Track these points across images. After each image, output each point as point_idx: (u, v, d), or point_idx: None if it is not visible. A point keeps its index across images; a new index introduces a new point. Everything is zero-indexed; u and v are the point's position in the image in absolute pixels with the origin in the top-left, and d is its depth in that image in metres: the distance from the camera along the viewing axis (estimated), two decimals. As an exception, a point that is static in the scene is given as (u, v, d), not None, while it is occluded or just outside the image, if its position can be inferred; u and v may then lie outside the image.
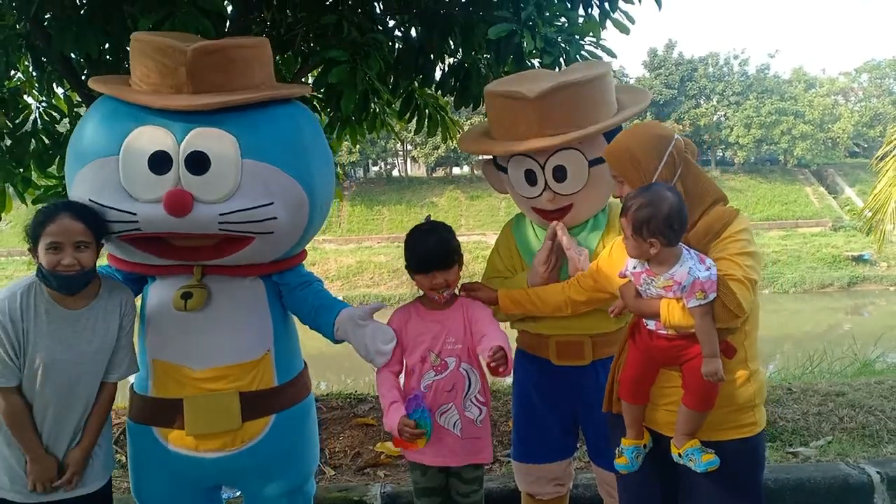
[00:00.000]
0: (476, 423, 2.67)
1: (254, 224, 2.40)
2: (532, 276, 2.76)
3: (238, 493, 3.42)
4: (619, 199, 2.36)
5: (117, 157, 2.34)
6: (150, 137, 2.35)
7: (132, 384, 2.70)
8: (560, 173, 2.66)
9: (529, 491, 3.01)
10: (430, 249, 2.62)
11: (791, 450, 3.97)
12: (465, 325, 2.67)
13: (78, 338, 2.39)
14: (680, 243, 2.16)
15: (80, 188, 2.40)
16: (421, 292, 2.74)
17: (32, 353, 2.34)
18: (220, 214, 2.35)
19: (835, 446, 3.99)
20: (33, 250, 2.33)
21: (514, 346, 2.83)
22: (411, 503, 2.90)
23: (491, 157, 2.95)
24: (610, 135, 2.67)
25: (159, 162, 2.33)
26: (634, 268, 2.24)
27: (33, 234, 2.31)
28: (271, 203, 2.41)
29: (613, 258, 2.44)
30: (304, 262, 2.87)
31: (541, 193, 2.70)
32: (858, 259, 35.56)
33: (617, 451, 2.38)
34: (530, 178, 2.71)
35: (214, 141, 2.37)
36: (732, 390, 2.21)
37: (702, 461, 2.18)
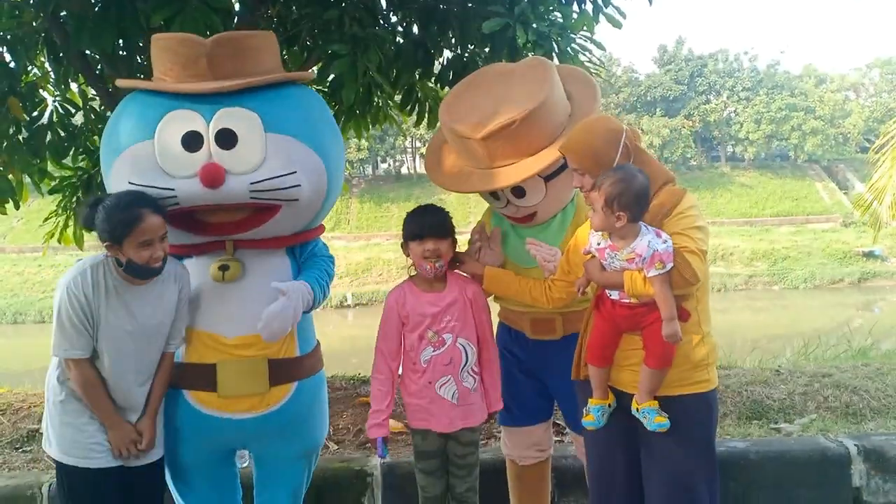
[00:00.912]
0: (471, 391, 2.86)
1: (281, 192, 2.64)
2: (486, 256, 2.97)
3: (246, 464, 3.62)
4: (582, 190, 2.54)
5: (152, 140, 2.60)
6: (182, 119, 2.60)
7: None
8: (519, 191, 2.83)
9: (513, 457, 3.22)
10: (425, 218, 2.83)
11: (775, 426, 4.12)
12: (464, 303, 2.85)
13: (143, 311, 2.60)
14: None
15: (118, 174, 2.64)
16: (413, 272, 2.91)
17: (104, 326, 2.55)
18: (251, 184, 2.59)
19: (818, 423, 4.13)
20: (113, 247, 2.49)
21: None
22: (410, 472, 3.06)
23: None
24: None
25: (191, 141, 2.58)
26: (598, 244, 2.44)
27: (119, 234, 2.45)
28: (294, 172, 2.65)
29: (578, 245, 2.63)
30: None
31: (506, 206, 2.91)
32: (869, 255, 35.44)
33: (584, 411, 2.58)
34: (494, 194, 2.91)
35: (239, 118, 2.62)
36: (687, 351, 2.44)
37: (654, 422, 2.41)
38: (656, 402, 2.44)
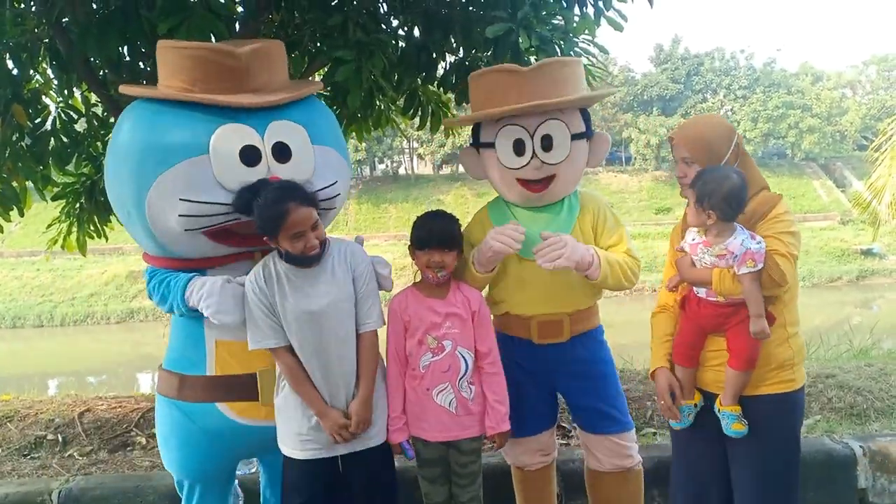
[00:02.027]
0: (470, 401, 2.85)
1: (328, 201, 2.75)
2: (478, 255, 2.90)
3: (253, 470, 3.63)
4: (683, 179, 2.65)
5: (207, 155, 2.56)
6: (237, 133, 2.60)
7: (171, 370, 2.89)
8: (547, 142, 2.87)
9: (519, 464, 3.22)
10: (432, 227, 2.82)
11: (780, 428, 4.13)
12: (466, 313, 2.85)
13: (316, 292, 2.67)
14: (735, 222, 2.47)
15: (167, 188, 2.56)
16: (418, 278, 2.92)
17: (283, 313, 2.66)
18: None
19: (822, 424, 4.15)
20: (272, 240, 2.60)
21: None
22: (415, 477, 3.08)
23: (470, 143, 3.14)
24: (586, 114, 3.00)
25: (249, 155, 2.60)
26: (693, 239, 2.57)
27: (272, 228, 2.55)
28: (336, 182, 2.77)
29: (674, 243, 2.78)
30: None
31: (528, 162, 2.89)
32: (867, 252, 35.51)
33: None
34: (518, 148, 2.89)
35: (290, 132, 2.69)
36: (771, 350, 2.54)
37: (731, 427, 2.53)
38: (739, 407, 2.54)
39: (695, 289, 2.62)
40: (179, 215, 2.56)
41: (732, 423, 2.53)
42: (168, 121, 2.62)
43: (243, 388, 2.78)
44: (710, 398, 2.65)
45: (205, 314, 2.62)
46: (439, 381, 2.82)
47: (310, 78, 4.58)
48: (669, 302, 2.81)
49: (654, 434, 4.22)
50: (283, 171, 2.63)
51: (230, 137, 2.58)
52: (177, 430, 2.87)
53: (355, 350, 2.74)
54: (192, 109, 2.61)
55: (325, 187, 2.73)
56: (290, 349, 2.69)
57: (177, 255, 2.77)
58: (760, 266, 2.40)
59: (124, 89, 2.84)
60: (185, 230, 2.59)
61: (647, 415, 4.42)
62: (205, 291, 2.61)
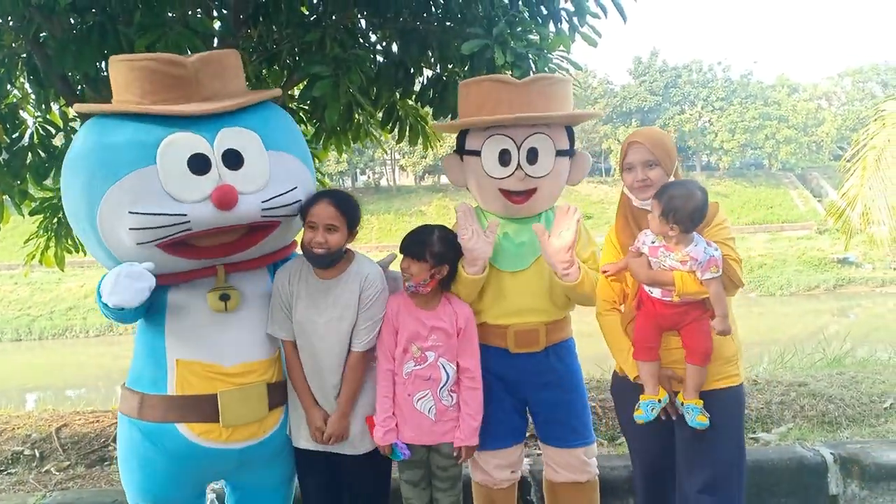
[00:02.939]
0: (450, 408, 2.91)
1: (286, 208, 2.71)
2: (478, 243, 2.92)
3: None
4: (643, 183, 2.75)
5: (155, 165, 2.50)
6: (184, 142, 2.54)
7: (132, 388, 2.80)
8: (532, 155, 2.93)
9: (486, 482, 3.15)
10: (409, 237, 2.91)
11: (753, 436, 4.20)
12: (452, 327, 2.90)
13: (326, 303, 2.81)
14: None
15: (115, 202, 2.51)
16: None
17: (294, 314, 2.81)
18: (263, 202, 2.63)
19: (794, 432, 4.22)
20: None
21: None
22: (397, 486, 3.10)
23: (455, 150, 3.18)
24: (571, 132, 3.08)
25: (198, 164, 2.54)
26: (653, 242, 2.66)
27: (302, 214, 2.75)
28: (295, 187, 2.73)
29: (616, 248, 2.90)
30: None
31: (512, 173, 2.94)
32: (844, 261, 35.90)
33: (636, 406, 2.74)
34: (504, 158, 2.95)
35: (242, 138, 2.63)
36: (720, 346, 2.70)
37: (696, 419, 2.65)
38: (701, 401, 2.66)
39: (647, 289, 2.71)
40: (130, 229, 2.50)
41: (697, 416, 2.63)
42: (116, 134, 2.57)
43: (204, 409, 2.68)
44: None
45: (110, 303, 2.49)
46: (420, 389, 2.87)
47: (288, 92, 4.62)
48: (611, 295, 2.90)
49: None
50: (235, 179, 2.58)
51: (177, 146, 2.52)
52: (136, 450, 2.77)
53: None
54: (141, 121, 2.56)
55: (283, 193, 2.68)
56: (295, 345, 2.85)
57: None
58: (720, 271, 2.55)
59: (78, 108, 2.80)
60: (138, 244, 2.53)
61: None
62: (107, 279, 2.50)
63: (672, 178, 2.77)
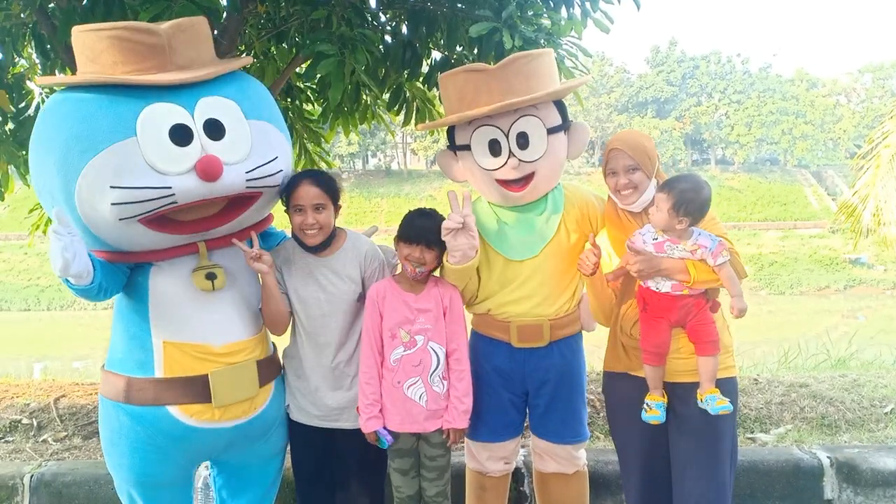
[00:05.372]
0: (441, 395, 2.89)
1: (269, 178, 2.68)
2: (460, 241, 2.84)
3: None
4: (626, 187, 2.78)
5: (135, 137, 2.41)
6: (164, 113, 2.46)
7: (115, 371, 2.74)
8: (523, 140, 2.84)
9: (481, 469, 3.16)
10: (418, 224, 2.85)
11: (750, 436, 4.17)
12: (439, 309, 2.88)
13: (325, 279, 2.89)
14: None
15: (95, 177, 2.42)
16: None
17: (290, 291, 2.90)
18: (247, 172, 2.59)
19: (793, 434, 4.18)
20: (287, 212, 2.83)
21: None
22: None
23: (447, 145, 3.12)
24: (561, 106, 2.97)
25: (180, 135, 2.46)
26: (655, 238, 2.67)
27: (284, 199, 2.80)
28: (276, 157, 2.69)
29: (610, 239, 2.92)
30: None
31: (505, 162, 2.85)
32: (856, 262, 35.70)
33: (646, 406, 2.77)
34: (494, 148, 2.87)
35: (222, 108, 2.57)
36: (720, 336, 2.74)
37: (716, 405, 2.63)
38: (717, 389, 2.67)
39: (654, 287, 2.70)
40: (111, 203, 2.41)
41: (717, 401, 2.63)
42: (91, 106, 2.45)
43: (195, 390, 2.65)
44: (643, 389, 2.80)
45: (62, 276, 2.40)
46: (410, 375, 2.85)
47: (296, 70, 4.59)
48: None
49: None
50: (218, 149, 2.50)
51: (158, 117, 2.44)
52: (125, 435, 2.71)
53: (355, 342, 2.92)
54: (115, 93, 2.45)
55: (265, 163, 2.63)
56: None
57: (114, 247, 2.62)
58: (730, 255, 2.62)
59: (42, 80, 2.73)
60: (120, 219, 2.45)
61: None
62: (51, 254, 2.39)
63: (654, 179, 2.81)
